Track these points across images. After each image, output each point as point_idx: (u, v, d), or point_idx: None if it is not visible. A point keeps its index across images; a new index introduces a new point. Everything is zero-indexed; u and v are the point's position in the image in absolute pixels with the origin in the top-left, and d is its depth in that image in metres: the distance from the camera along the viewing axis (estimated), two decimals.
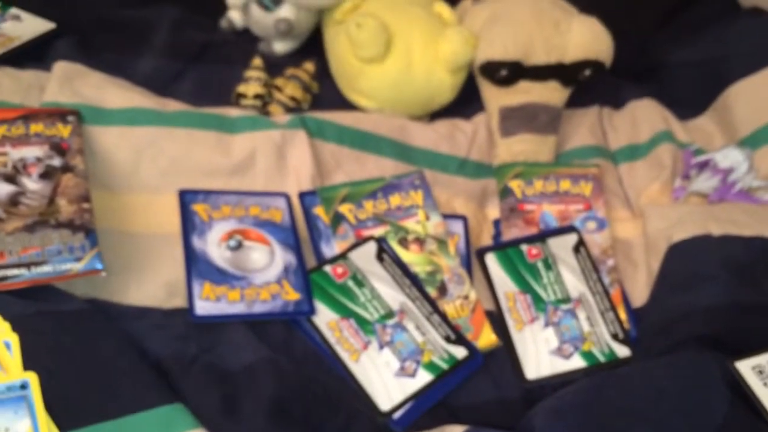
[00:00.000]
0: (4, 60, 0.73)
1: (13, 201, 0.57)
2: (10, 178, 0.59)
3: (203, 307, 0.61)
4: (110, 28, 0.83)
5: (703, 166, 0.80)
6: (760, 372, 0.58)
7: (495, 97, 0.80)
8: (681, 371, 0.57)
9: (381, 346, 0.63)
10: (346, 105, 0.81)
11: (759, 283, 0.65)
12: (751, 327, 0.62)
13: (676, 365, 0.58)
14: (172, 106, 0.74)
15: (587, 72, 0.79)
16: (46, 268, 0.56)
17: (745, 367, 0.58)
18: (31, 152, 0.61)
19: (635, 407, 0.55)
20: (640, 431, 0.54)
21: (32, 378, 0.50)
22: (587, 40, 0.77)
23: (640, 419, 0.55)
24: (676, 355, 0.60)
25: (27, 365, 0.51)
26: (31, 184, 0.59)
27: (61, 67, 0.72)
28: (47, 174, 0.60)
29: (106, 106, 0.70)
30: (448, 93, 0.81)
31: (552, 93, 0.80)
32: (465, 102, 0.83)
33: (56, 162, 0.62)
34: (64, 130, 0.64)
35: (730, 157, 0.79)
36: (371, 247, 0.68)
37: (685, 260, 0.68)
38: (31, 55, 0.75)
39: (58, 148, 0.63)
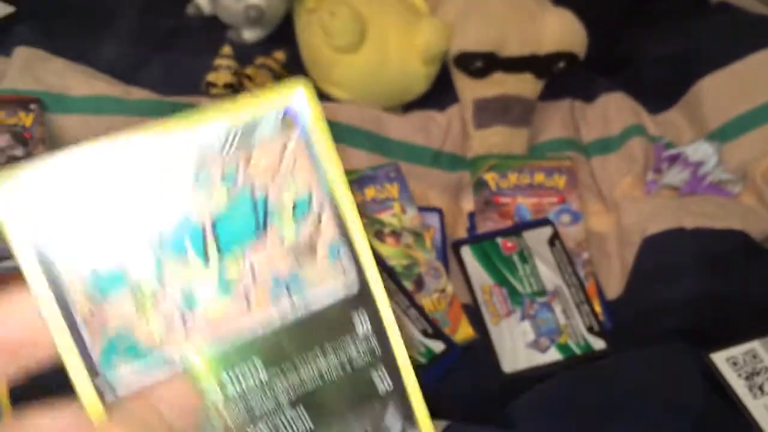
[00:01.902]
0: None
1: None
2: None
3: None
4: (73, 12, 0.80)
5: (673, 159, 0.81)
6: (735, 363, 0.58)
7: (469, 89, 0.80)
8: (657, 363, 0.58)
9: None
10: (318, 96, 0.80)
11: (732, 274, 0.65)
12: (725, 318, 0.62)
13: (653, 358, 0.58)
14: (138, 94, 0.72)
15: (561, 64, 0.79)
16: (7, 264, 0.53)
17: (720, 359, 0.59)
18: None
19: (613, 400, 0.56)
20: (618, 423, 0.54)
21: None
22: (562, 32, 0.77)
23: (618, 412, 0.55)
24: (652, 347, 0.60)
25: None
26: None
27: (21, 52, 0.70)
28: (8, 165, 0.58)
29: (69, 93, 0.68)
30: (422, 84, 0.80)
31: (526, 85, 0.79)
32: (439, 93, 0.82)
33: (19, 152, 0.59)
34: (26, 119, 0.62)
35: (700, 151, 0.80)
36: None
37: (660, 253, 0.69)
38: None
39: (21, 137, 0.60)
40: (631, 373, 0.57)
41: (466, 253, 0.71)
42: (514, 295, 0.68)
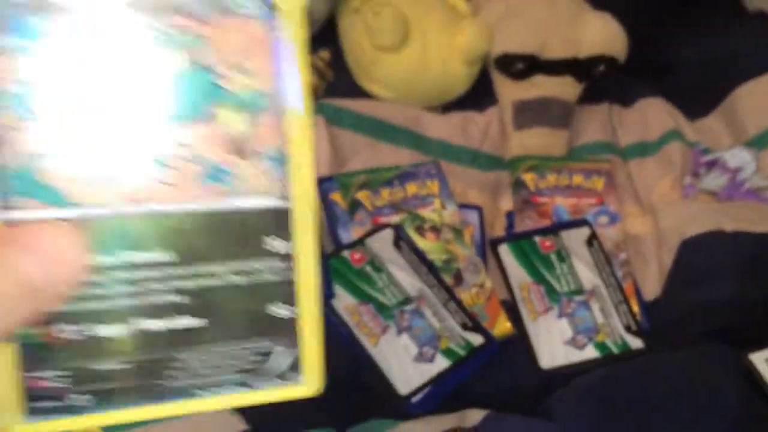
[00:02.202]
0: None
1: None
2: None
3: None
4: None
5: (711, 165, 0.81)
6: None
7: (509, 91, 0.81)
8: (696, 362, 0.58)
9: (399, 331, 0.63)
10: (360, 94, 0.81)
11: None
12: (763, 320, 0.63)
13: (691, 357, 0.59)
14: None
15: (601, 67, 0.80)
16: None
17: (758, 359, 0.59)
18: None
19: (651, 397, 0.56)
20: (656, 421, 0.55)
21: None
22: (603, 35, 0.78)
23: (656, 409, 0.55)
24: (690, 347, 0.60)
25: None
26: None
27: None
28: None
29: None
30: (462, 85, 0.81)
31: (566, 88, 0.80)
32: (478, 95, 0.83)
33: None
34: None
35: (739, 157, 0.80)
36: (388, 234, 0.68)
37: (699, 255, 0.69)
38: None
39: None
40: (670, 371, 0.57)
41: (504, 251, 0.72)
42: (551, 293, 0.69)
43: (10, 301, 0.17)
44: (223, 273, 0.21)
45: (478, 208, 0.75)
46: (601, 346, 0.66)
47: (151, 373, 0.21)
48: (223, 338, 0.21)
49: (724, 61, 0.89)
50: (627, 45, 0.80)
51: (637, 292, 0.71)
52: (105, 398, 0.20)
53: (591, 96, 0.85)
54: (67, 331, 0.20)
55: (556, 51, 0.78)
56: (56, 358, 0.20)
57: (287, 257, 0.21)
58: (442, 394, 0.61)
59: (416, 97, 0.80)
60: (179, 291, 0.20)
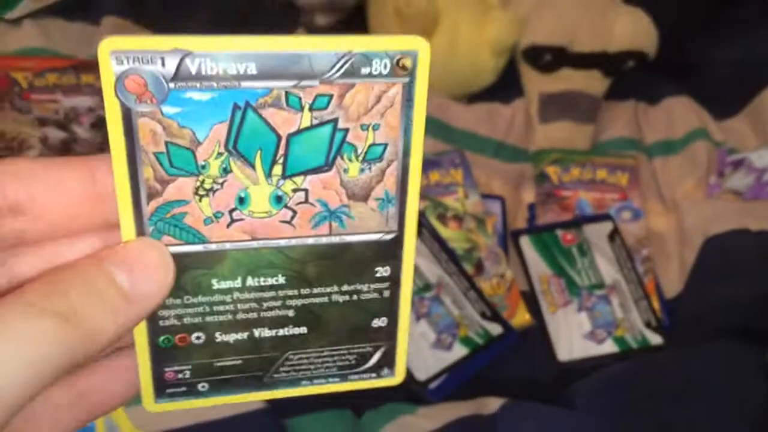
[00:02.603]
0: (55, 11, 0.73)
1: (66, 147, 0.57)
2: (63, 125, 0.59)
3: None
4: None
5: (737, 164, 0.80)
6: None
7: (536, 83, 0.81)
8: (718, 359, 0.58)
9: (418, 318, 0.63)
10: None
11: None
12: None
13: (713, 353, 0.58)
14: None
15: (630, 63, 0.79)
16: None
17: None
18: (82, 102, 0.61)
19: (672, 393, 0.56)
20: (676, 417, 0.55)
21: None
22: (633, 30, 0.78)
23: (676, 405, 0.55)
24: (712, 344, 0.60)
25: None
26: (83, 132, 0.59)
27: (109, 21, 0.72)
28: (98, 124, 0.60)
29: None
30: (489, 75, 0.81)
31: (593, 82, 0.80)
32: (504, 86, 0.83)
33: None
34: None
35: (765, 158, 0.79)
36: None
37: (722, 253, 0.68)
38: (80, 8, 0.75)
39: None
40: (691, 367, 0.57)
41: (525, 242, 0.72)
42: (571, 286, 0.69)
43: (110, 307, 0.20)
44: (333, 294, 0.24)
45: (501, 199, 0.75)
46: (620, 341, 0.66)
47: (261, 368, 0.24)
48: (329, 344, 0.25)
49: (754, 63, 0.88)
50: (657, 41, 0.79)
51: (658, 289, 0.70)
52: (219, 386, 0.24)
53: (617, 92, 0.85)
54: (193, 337, 0.23)
55: (585, 44, 0.78)
56: (182, 357, 0.23)
57: (390, 279, 0.24)
58: (459, 382, 0.61)
59: (443, 85, 0.80)
60: (291, 308, 0.24)
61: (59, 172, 0.21)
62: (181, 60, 0.20)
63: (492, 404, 0.56)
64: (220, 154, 0.21)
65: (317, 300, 0.24)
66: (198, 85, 0.20)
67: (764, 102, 0.85)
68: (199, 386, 0.24)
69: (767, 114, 0.85)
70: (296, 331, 0.24)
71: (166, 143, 0.20)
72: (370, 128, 0.22)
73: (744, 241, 0.68)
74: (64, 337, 0.19)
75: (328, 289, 0.24)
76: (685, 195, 0.78)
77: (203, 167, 0.21)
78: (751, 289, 0.64)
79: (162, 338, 0.23)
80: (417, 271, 0.65)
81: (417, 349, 0.61)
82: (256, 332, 0.24)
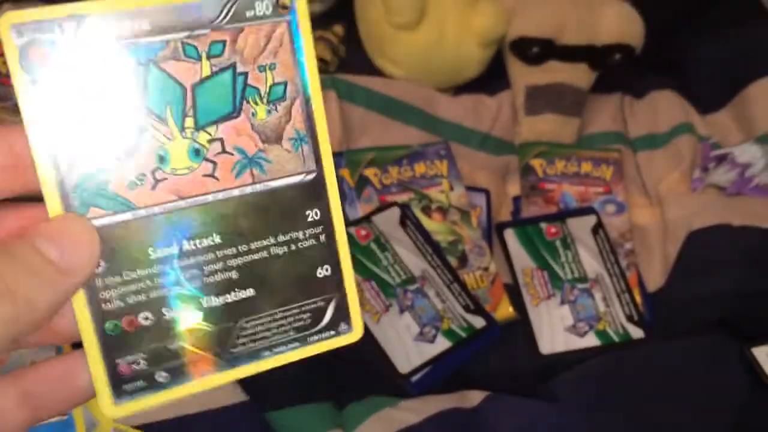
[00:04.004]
0: None
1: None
2: None
3: None
4: None
5: (721, 159, 0.81)
6: None
7: (522, 75, 0.80)
8: (699, 353, 0.58)
9: (401, 310, 0.63)
10: (373, 71, 0.81)
11: None
12: (767, 315, 0.63)
13: (694, 347, 0.59)
14: None
15: (617, 56, 0.79)
16: None
17: (761, 353, 0.59)
18: None
19: (654, 386, 0.56)
20: (657, 408, 0.55)
21: None
22: (620, 23, 0.78)
23: (656, 397, 0.55)
24: (693, 337, 0.60)
25: None
26: None
27: None
28: None
29: None
30: (476, 67, 0.80)
31: (580, 75, 0.80)
32: (490, 78, 0.83)
33: None
34: None
35: (749, 153, 0.80)
36: (395, 213, 0.68)
37: (705, 247, 0.69)
38: None
39: None
40: (672, 360, 0.58)
41: (510, 235, 0.72)
42: (555, 279, 0.69)
43: (40, 280, 0.20)
44: (272, 247, 0.24)
45: (486, 191, 0.75)
46: (602, 334, 0.66)
47: (219, 343, 0.23)
48: (280, 303, 0.24)
49: (739, 58, 0.88)
50: (644, 35, 0.79)
51: (641, 283, 0.71)
52: (179, 373, 0.23)
53: (603, 85, 0.85)
54: (141, 318, 0.22)
55: (572, 37, 0.78)
56: (134, 344, 0.22)
57: (322, 222, 0.24)
58: (441, 375, 0.61)
59: (429, 77, 0.80)
60: (234, 268, 0.23)
61: None
62: (78, 25, 0.20)
63: (474, 397, 0.56)
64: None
65: (257, 256, 0.23)
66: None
67: (749, 97, 0.86)
68: (158, 376, 0.23)
69: (751, 109, 0.85)
70: (243, 294, 0.23)
71: None
72: (267, 69, 0.23)
73: (726, 236, 0.69)
74: (1, 313, 0.19)
75: (265, 242, 0.23)
76: (669, 189, 0.79)
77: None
78: (732, 283, 0.65)
79: (108, 324, 0.22)
80: (400, 263, 0.65)
81: (400, 342, 0.61)
82: (204, 302, 0.23)
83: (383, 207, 0.68)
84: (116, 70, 0.21)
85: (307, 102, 0.23)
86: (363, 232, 0.66)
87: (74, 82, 0.21)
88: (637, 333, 0.66)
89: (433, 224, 0.69)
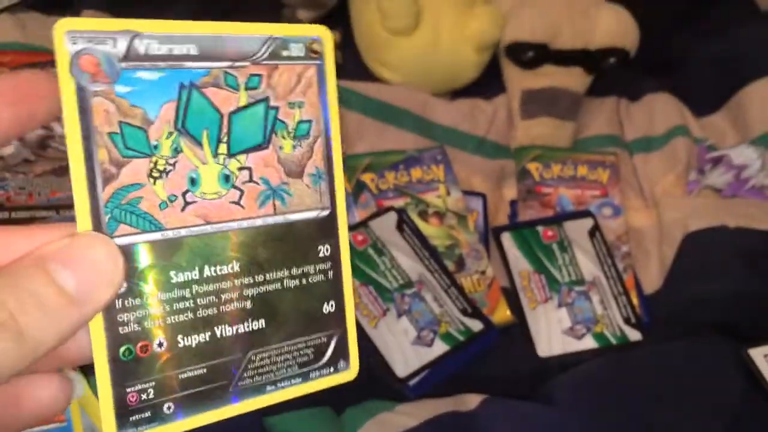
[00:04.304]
0: (32, 5, 0.72)
1: (42, 144, 0.57)
2: None
3: None
4: None
5: (717, 161, 0.81)
6: None
7: (517, 79, 0.81)
8: (696, 354, 0.58)
9: (399, 314, 0.63)
10: (368, 76, 0.81)
11: None
12: (764, 317, 0.63)
13: (692, 349, 0.59)
14: None
15: (612, 60, 0.79)
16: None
17: (758, 354, 0.59)
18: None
19: (651, 387, 0.56)
20: (655, 410, 0.55)
21: None
22: (615, 28, 0.78)
23: (656, 399, 0.55)
24: (691, 339, 0.61)
25: None
26: (61, 129, 0.58)
27: (88, 15, 0.72)
28: None
29: None
30: (472, 71, 0.81)
31: (575, 79, 0.80)
32: (486, 83, 0.83)
33: None
34: None
35: (744, 155, 0.80)
36: (392, 217, 0.68)
37: (701, 249, 0.69)
38: (59, 2, 0.74)
39: None
40: (670, 362, 0.58)
41: (507, 239, 0.72)
42: (552, 282, 0.69)
43: (52, 312, 0.18)
44: (285, 279, 0.24)
45: (483, 195, 0.75)
46: (599, 337, 0.66)
47: (226, 376, 0.23)
48: (286, 337, 0.24)
49: (734, 60, 0.89)
50: (638, 39, 0.79)
51: (638, 285, 0.71)
52: (185, 404, 0.23)
53: (599, 89, 0.85)
54: (155, 344, 0.22)
55: (567, 41, 0.78)
56: (145, 371, 0.22)
57: (331, 258, 0.25)
58: (439, 379, 0.61)
59: (425, 82, 0.80)
60: (249, 298, 0.24)
61: None
62: (131, 40, 0.21)
63: (472, 401, 0.56)
64: (170, 133, 0.22)
65: (271, 287, 0.24)
66: (147, 65, 0.21)
67: (744, 99, 0.86)
68: (165, 408, 0.22)
69: (747, 111, 0.85)
70: (255, 325, 0.24)
71: (120, 123, 0.21)
72: (296, 106, 0.24)
73: (723, 238, 0.69)
74: (3, 350, 0.17)
75: (280, 274, 0.24)
76: (665, 191, 0.79)
77: (155, 147, 0.22)
78: (729, 285, 0.65)
79: (123, 349, 0.21)
80: (398, 268, 0.65)
81: (398, 346, 0.61)
82: (218, 331, 0.23)
83: (380, 212, 0.69)
84: (160, 89, 0.22)
85: (327, 141, 0.25)
86: (360, 237, 0.66)
87: (119, 96, 0.21)
88: (634, 335, 0.67)
89: (430, 229, 0.70)
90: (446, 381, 0.61)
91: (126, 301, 0.21)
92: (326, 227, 0.25)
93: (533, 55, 0.78)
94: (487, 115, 0.81)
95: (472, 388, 0.61)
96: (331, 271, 0.25)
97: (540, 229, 0.73)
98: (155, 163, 0.22)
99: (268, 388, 0.24)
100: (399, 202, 0.70)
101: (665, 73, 0.91)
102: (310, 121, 0.24)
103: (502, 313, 0.67)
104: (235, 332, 0.23)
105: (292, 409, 0.53)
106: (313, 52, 0.24)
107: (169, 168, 0.22)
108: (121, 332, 0.21)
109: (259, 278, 0.24)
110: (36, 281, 0.18)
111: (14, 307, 0.18)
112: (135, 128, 0.21)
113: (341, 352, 0.25)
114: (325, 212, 0.25)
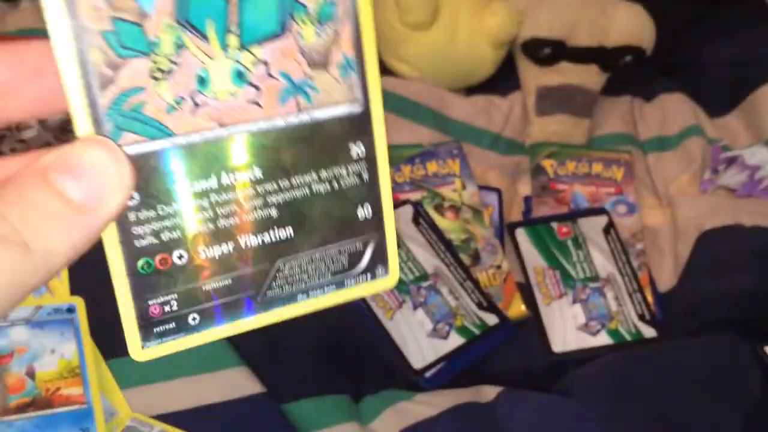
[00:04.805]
0: None
1: (64, 128, 0.57)
2: None
3: None
4: None
5: (731, 161, 0.81)
6: None
7: (533, 76, 0.81)
8: (713, 351, 0.58)
9: (415, 307, 0.63)
10: (385, 71, 0.81)
11: None
12: None
13: (708, 345, 0.59)
14: None
15: (628, 58, 0.80)
16: None
17: None
18: None
19: (667, 383, 0.56)
20: (671, 405, 0.55)
21: (79, 303, 0.50)
22: (632, 26, 0.78)
23: (671, 395, 0.55)
24: (707, 336, 0.61)
25: (74, 291, 0.51)
26: None
27: None
28: None
29: None
30: (488, 67, 0.81)
31: (590, 76, 0.80)
32: (502, 79, 0.83)
33: None
34: None
35: (758, 155, 0.80)
36: (408, 211, 0.69)
37: (716, 248, 0.69)
38: None
39: None
40: (687, 358, 0.58)
41: (521, 235, 0.72)
42: (566, 278, 0.69)
43: (61, 223, 0.17)
44: (313, 183, 0.22)
45: (498, 191, 0.75)
46: (614, 333, 0.66)
47: (254, 285, 0.22)
48: (318, 244, 0.22)
49: (748, 61, 0.89)
50: (655, 37, 0.80)
51: (652, 283, 0.71)
52: (210, 315, 0.21)
53: (613, 88, 0.85)
54: (175, 256, 0.21)
55: (583, 39, 0.78)
56: (167, 284, 0.21)
57: (366, 159, 0.22)
58: (454, 371, 0.61)
59: (441, 77, 0.80)
60: (273, 205, 0.21)
61: None
62: None
63: (489, 392, 0.56)
64: (170, 26, 0.19)
65: (298, 193, 0.22)
66: None
67: (758, 100, 0.86)
68: (190, 319, 0.21)
69: (761, 112, 0.85)
70: (283, 233, 0.22)
71: (112, 18, 0.19)
72: None
73: (738, 237, 0.69)
74: (12, 265, 0.16)
75: (307, 178, 0.22)
76: (679, 190, 0.79)
77: (154, 44, 0.19)
78: (744, 283, 0.65)
79: (141, 262, 0.20)
80: (414, 260, 0.65)
81: (414, 338, 0.61)
82: (242, 240, 0.21)
83: (396, 205, 0.69)
84: None
85: (356, 25, 0.21)
86: None
87: None
88: (649, 332, 0.67)
89: (445, 222, 0.70)
90: (461, 374, 0.61)
91: (140, 214, 0.20)
92: (359, 124, 0.22)
93: (550, 51, 0.78)
94: (502, 112, 0.82)
95: (487, 382, 0.61)
96: (366, 173, 0.22)
97: (555, 225, 0.73)
98: (156, 63, 0.19)
99: (300, 297, 0.23)
100: (415, 196, 0.70)
101: (679, 73, 0.91)
102: (334, 2, 0.21)
103: (517, 308, 0.67)
104: (261, 242, 0.22)
105: (311, 396, 0.53)
106: None
107: (172, 67, 0.19)
108: (138, 246, 0.20)
109: (284, 184, 0.21)
110: (37, 192, 0.17)
111: (17, 220, 0.17)
112: (129, 23, 0.19)
113: (379, 258, 0.23)
114: (358, 108, 0.22)
